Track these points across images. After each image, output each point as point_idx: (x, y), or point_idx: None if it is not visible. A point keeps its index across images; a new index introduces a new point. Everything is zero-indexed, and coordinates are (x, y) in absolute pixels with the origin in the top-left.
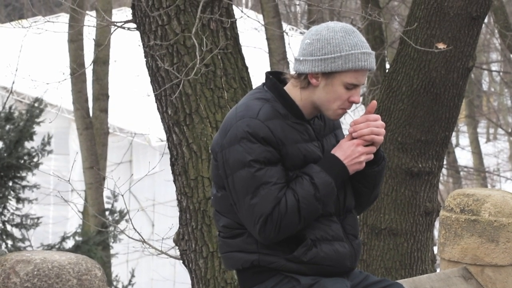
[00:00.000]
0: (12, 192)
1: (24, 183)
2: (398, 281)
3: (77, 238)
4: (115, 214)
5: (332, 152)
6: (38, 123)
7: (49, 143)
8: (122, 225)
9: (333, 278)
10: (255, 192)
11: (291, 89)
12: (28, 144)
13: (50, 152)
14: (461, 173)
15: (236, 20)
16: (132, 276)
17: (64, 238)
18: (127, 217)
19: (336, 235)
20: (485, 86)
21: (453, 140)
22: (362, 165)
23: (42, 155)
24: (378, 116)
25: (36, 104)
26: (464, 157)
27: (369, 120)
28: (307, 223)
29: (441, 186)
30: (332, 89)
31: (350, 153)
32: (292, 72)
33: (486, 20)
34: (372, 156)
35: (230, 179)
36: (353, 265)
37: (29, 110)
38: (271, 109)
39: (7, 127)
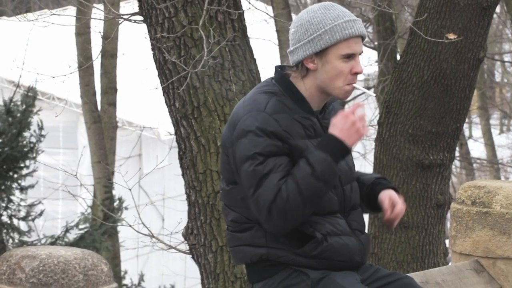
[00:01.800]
0: (15, 183)
1: (24, 171)
2: (409, 274)
3: (81, 225)
4: (116, 203)
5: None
6: (37, 112)
7: (42, 128)
8: (131, 219)
9: (342, 272)
10: (258, 184)
11: (296, 82)
12: (26, 134)
13: (43, 136)
14: (474, 165)
15: (243, 11)
16: (142, 280)
17: (68, 229)
18: (135, 211)
19: (344, 230)
20: (497, 77)
21: (466, 132)
22: (361, 133)
23: (40, 141)
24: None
25: (29, 94)
26: (477, 149)
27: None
28: (313, 206)
29: (454, 178)
30: (331, 66)
31: (342, 125)
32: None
33: (498, 10)
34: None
35: (240, 174)
36: (363, 260)
37: (23, 100)
38: (278, 103)
39: (9, 119)
